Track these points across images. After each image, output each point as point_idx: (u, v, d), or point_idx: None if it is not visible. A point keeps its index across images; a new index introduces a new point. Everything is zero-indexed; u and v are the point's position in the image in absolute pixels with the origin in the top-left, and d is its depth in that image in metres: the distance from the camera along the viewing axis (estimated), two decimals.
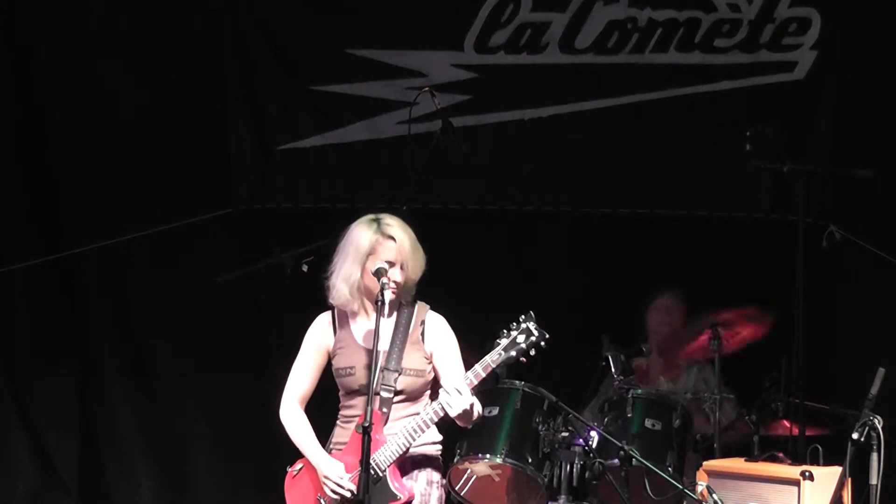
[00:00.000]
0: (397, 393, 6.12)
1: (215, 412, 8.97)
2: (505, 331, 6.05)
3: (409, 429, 6.06)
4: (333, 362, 6.29)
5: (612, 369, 7.64)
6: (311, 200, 9.00)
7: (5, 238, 8.98)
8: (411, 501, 6.09)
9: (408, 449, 6.07)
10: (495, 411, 7.14)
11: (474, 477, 7.28)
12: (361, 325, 6.29)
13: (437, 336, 6.24)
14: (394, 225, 6.19)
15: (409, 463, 6.16)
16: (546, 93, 8.88)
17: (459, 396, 5.95)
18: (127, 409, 9.05)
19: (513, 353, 5.99)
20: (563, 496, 7.23)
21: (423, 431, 6.06)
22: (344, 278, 6.17)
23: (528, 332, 6.00)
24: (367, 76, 8.87)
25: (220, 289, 8.36)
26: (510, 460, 7.20)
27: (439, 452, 6.30)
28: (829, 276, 8.64)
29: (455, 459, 7.26)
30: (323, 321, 6.35)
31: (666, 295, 8.44)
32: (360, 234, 6.18)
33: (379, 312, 6.02)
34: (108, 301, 9.07)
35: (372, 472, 5.99)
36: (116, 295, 9.07)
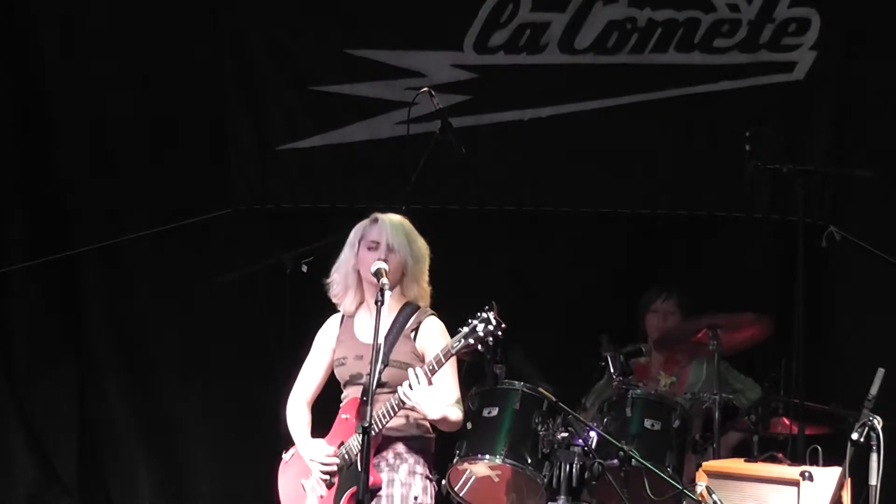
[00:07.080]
0: (381, 384, 6.24)
1: (215, 412, 8.97)
2: (469, 320, 6.22)
3: (377, 416, 6.19)
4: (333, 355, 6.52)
5: (612, 369, 7.64)
6: (311, 200, 9.00)
7: (5, 238, 8.97)
8: (378, 488, 6.25)
9: (378, 433, 6.19)
10: (495, 411, 7.11)
11: (473, 478, 7.26)
12: (362, 321, 6.50)
13: (429, 337, 6.39)
14: (385, 214, 6.46)
15: (391, 453, 6.33)
16: (546, 93, 8.87)
17: (416, 386, 6.13)
18: (126, 408, 9.05)
19: (471, 340, 6.16)
20: (562, 496, 7.21)
21: (388, 418, 6.19)
22: (338, 266, 6.46)
23: (487, 321, 6.17)
24: (367, 76, 8.87)
25: (219, 289, 8.36)
26: (509, 461, 7.18)
27: (432, 445, 6.46)
28: (829, 276, 8.64)
29: (454, 460, 7.25)
30: (333, 320, 6.61)
31: (663, 297, 8.43)
32: (355, 227, 6.45)
33: (378, 312, 6.11)
34: (107, 301, 9.07)
35: (346, 456, 6.26)
36: (116, 295, 9.07)
